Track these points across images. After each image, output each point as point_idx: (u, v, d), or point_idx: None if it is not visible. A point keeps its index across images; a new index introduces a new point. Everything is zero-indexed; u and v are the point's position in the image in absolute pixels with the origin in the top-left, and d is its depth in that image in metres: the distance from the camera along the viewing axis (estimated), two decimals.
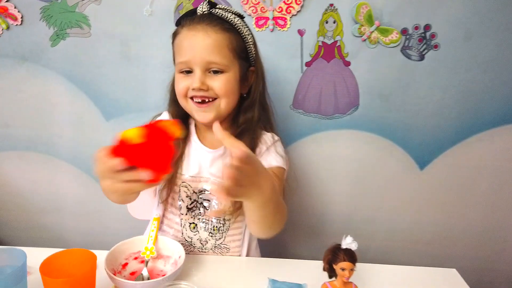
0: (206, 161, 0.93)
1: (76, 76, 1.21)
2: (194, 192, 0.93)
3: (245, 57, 0.90)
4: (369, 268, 0.89)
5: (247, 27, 0.89)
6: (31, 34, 1.17)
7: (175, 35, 0.88)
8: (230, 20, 0.85)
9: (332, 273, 0.70)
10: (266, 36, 1.13)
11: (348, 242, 0.67)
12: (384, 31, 1.11)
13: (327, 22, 1.11)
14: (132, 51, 1.17)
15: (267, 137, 0.95)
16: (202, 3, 0.86)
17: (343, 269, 0.66)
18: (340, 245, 0.68)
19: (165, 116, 0.97)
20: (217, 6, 0.86)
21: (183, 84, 0.85)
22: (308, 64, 1.16)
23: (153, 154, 0.59)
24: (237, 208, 0.90)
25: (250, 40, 0.89)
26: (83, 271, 0.66)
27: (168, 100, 0.97)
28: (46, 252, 0.70)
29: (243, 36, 0.88)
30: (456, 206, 1.30)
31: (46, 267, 0.64)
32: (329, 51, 1.14)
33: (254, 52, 0.91)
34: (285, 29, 1.13)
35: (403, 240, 1.36)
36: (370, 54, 1.14)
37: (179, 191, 0.93)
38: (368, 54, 1.14)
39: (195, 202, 0.93)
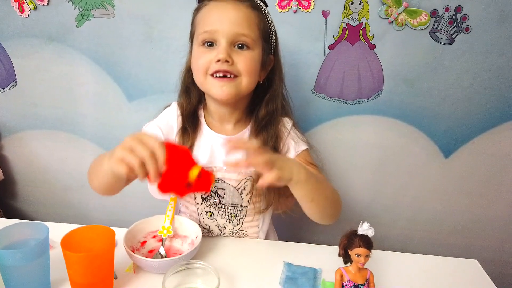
0: (221, 148, 0.90)
1: (100, 56, 1.23)
2: None
3: (268, 41, 0.88)
4: (386, 255, 0.88)
5: (269, 13, 0.87)
6: (57, 15, 1.19)
7: (198, 9, 0.84)
8: (258, 4, 0.84)
9: (347, 258, 0.69)
10: (289, 17, 1.10)
11: (364, 229, 0.66)
12: (412, 13, 1.07)
13: (352, 3, 1.08)
14: (155, 33, 1.18)
15: (286, 123, 0.95)
16: None
17: (358, 255, 0.65)
18: (356, 231, 0.67)
19: (174, 107, 0.95)
20: None
21: (204, 58, 0.80)
22: (331, 46, 1.13)
23: (175, 174, 0.61)
24: (268, 205, 0.92)
25: (273, 28, 0.88)
26: (102, 247, 0.68)
27: (179, 90, 0.95)
28: (68, 228, 0.72)
29: (268, 21, 0.86)
30: (482, 196, 1.26)
31: (67, 242, 0.67)
32: (353, 34, 1.11)
33: (275, 41, 0.89)
34: (309, 10, 1.10)
35: (424, 230, 1.33)
36: (397, 37, 1.10)
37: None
38: (394, 37, 1.10)
39: (210, 191, 0.92)
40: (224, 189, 0.91)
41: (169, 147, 0.61)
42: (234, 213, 0.93)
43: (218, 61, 0.78)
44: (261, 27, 0.83)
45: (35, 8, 1.18)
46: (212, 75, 0.80)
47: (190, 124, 0.90)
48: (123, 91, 1.26)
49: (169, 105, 0.97)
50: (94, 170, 0.78)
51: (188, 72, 0.91)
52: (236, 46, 0.80)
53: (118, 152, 0.61)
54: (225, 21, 0.78)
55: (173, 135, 0.92)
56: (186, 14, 1.12)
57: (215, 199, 0.93)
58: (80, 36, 1.21)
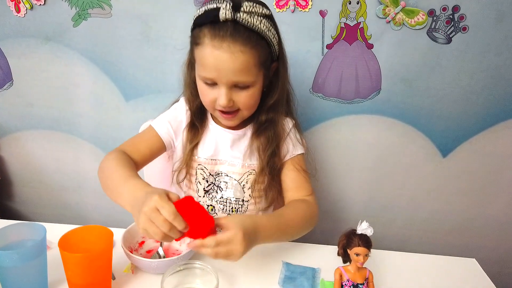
0: (226, 142, 0.93)
1: (97, 56, 1.22)
2: (210, 174, 0.93)
3: (270, 62, 0.86)
4: (385, 255, 0.88)
5: (272, 24, 0.81)
6: (54, 14, 1.18)
7: (196, 41, 0.79)
8: (256, 28, 0.76)
9: (346, 258, 0.69)
10: (287, 17, 1.10)
11: (363, 228, 0.66)
12: (410, 12, 1.07)
13: (350, 3, 1.08)
14: (152, 32, 1.17)
15: (286, 123, 0.95)
16: (224, 5, 0.74)
17: (357, 254, 0.65)
18: (355, 230, 0.67)
19: (182, 103, 0.96)
20: (242, 9, 0.75)
21: (209, 97, 0.83)
22: (329, 46, 1.13)
23: (196, 228, 0.65)
24: (270, 204, 0.95)
25: (275, 42, 0.83)
26: (100, 247, 0.68)
27: (183, 84, 0.94)
28: (66, 228, 0.72)
29: (269, 41, 0.81)
30: (479, 195, 1.27)
31: (65, 242, 0.66)
32: (351, 33, 1.11)
33: (278, 50, 0.86)
34: (307, 9, 1.10)
35: (422, 229, 1.33)
36: (394, 37, 1.10)
37: (196, 173, 0.93)
38: (392, 37, 1.10)
39: (212, 185, 0.94)
40: (227, 183, 0.93)
41: (181, 206, 0.64)
42: (235, 208, 0.94)
43: None
44: (261, 61, 0.81)
45: (32, 7, 1.18)
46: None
47: (198, 120, 0.93)
48: (120, 91, 1.26)
49: (177, 101, 0.98)
50: (108, 187, 0.79)
51: (190, 68, 0.90)
52: (236, 85, 0.81)
53: (142, 223, 0.62)
54: (223, 71, 0.78)
55: (182, 130, 0.94)
56: (183, 14, 1.13)
57: (217, 192, 0.93)
58: (77, 36, 1.20)
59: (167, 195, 0.64)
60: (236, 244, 0.65)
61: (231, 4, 0.75)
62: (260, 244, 0.72)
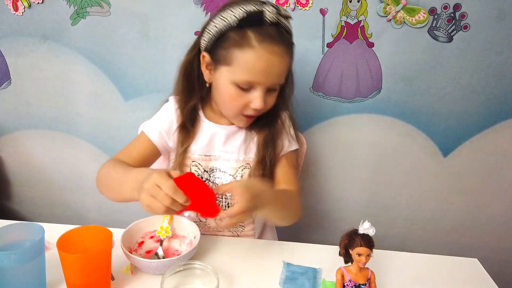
0: (219, 138, 0.92)
1: (96, 55, 1.22)
2: (205, 171, 0.92)
3: None
4: (387, 255, 0.88)
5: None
6: (52, 13, 1.17)
7: (239, 41, 0.77)
8: (290, 32, 0.82)
9: (348, 258, 0.68)
10: None
11: (365, 227, 0.65)
12: (411, 11, 1.06)
13: (350, 1, 1.07)
14: (151, 31, 1.16)
15: (284, 118, 0.96)
16: (270, 8, 0.76)
17: (359, 255, 0.65)
18: (357, 230, 0.66)
19: (172, 102, 0.94)
20: (281, 13, 0.78)
21: (241, 102, 0.82)
22: (329, 45, 1.13)
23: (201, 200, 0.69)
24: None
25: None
26: (99, 248, 0.67)
27: (177, 84, 0.92)
28: (64, 228, 0.71)
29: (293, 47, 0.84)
30: (480, 194, 1.26)
31: (63, 243, 0.65)
32: (352, 32, 1.11)
33: None
34: (307, 8, 1.09)
35: (423, 229, 1.33)
36: (395, 35, 1.09)
37: (190, 171, 0.92)
38: (393, 35, 1.09)
39: (207, 181, 0.93)
40: (221, 178, 0.92)
41: (181, 182, 0.67)
42: (231, 203, 0.93)
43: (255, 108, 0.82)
44: (290, 65, 0.85)
45: (30, 6, 1.17)
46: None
47: (189, 121, 0.91)
48: (119, 90, 1.25)
49: (167, 101, 0.97)
50: (109, 185, 0.81)
51: (190, 68, 0.89)
52: (269, 89, 0.82)
53: (144, 199, 0.66)
54: (270, 74, 0.79)
55: (174, 130, 0.93)
56: (183, 13, 1.12)
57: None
58: (75, 35, 1.19)
59: (167, 173, 0.67)
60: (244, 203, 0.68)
61: (273, 7, 0.77)
62: (264, 207, 0.74)
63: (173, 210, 0.66)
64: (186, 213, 0.68)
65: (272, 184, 0.95)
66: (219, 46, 0.81)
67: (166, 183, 0.64)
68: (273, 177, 0.94)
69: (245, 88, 0.80)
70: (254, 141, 0.93)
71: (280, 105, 0.92)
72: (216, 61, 0.82)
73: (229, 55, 0.79)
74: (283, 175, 0.94)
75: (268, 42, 0.76)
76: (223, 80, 0.82)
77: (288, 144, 0.95)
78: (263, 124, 0.92)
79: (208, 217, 0.70)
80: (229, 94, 0.83)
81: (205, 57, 0.84)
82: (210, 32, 0.81)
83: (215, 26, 0.80)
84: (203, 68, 0.86)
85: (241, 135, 0.93)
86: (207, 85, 0.88)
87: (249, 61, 0.77)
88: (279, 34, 0.78)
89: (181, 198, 0.64)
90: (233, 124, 0.93)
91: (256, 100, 0.81)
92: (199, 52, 0.86)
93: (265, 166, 0.91)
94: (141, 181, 0.68)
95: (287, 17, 0.80)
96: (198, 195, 0.68)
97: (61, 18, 1.18)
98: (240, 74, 0.79)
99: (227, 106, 0.86)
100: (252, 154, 0.93)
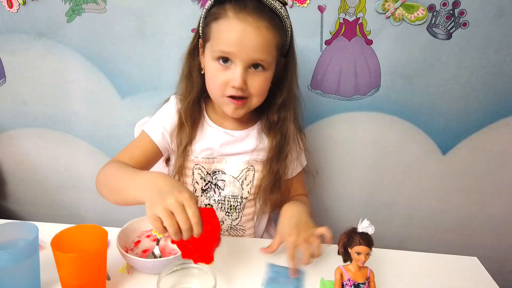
0: (222, 142, 0.90)
1: (92, 53, 1.20)
2: (208, 173, 0.91)
3: (283, 52, 0.85)
4: (386, 253, 0.87)
5: (288, 16, 0.82)
6: (47, 10, 1.16)
7: (216, 17, 0.78)
8: (278, 12, 0.78)
9: (347, 257, 0.68)
10: None
11: (364, 226, 0.65)
12: (410, 8, 1.05)
13: None
14: (148, 28, 1.15)
15: (300, 140, 0.98)
16: None
17: (358, 253, 0.64)
18: (356, 228, 0.66)
19: (173, 101, 0.93)
20: None
21: (221, 79, 0.79)
22: (328, 42, 1.12)
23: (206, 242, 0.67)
24: (273, 208, 0.96)
25: (289, 33, 0.83)
26: (94, 247, 0.66)
27: (181, 76, 0.91)
28: (59, 228, 0.70)
29: (286, 29, 0.82)
30: (479, 193, 1.26)
31: (58, 242, 0.64)
32: (350, 29, 1.10)
33: (289, 44, 0.86)
34: (305, 5, 1.08)
35: (422, 227, 1.32)
36: (394, 32, 1.08)
37: (193, 174, 0.92)
38: (391, 32, 1.09)
39: (209, 183, 0.92)
40: (224, 181, 0.91)
41: (201, 214, 0.62)
42: (234, 205, 0.92)
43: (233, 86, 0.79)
44: (279, 45, 0.81)
45: (24, 3, 1.15)
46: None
47: (189, 118, 0.89)
48: (115, 88, 1.24)
49: (167, 100, 0.95)
50: (110, 185, 0.77)
51: (194, 55, 0.88)
52: (252, 66, 0.79)
53: (158, 211, 0.60)
54: (244, 46, 0.76)
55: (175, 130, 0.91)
56: (179, 9, 1.11)
57: (215, 191, 0.92)
58: (71, 32, 1.18)
59: (196, 198, 0.63)
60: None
61: None
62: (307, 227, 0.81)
63: (178, 235, 0.60)
64: (162, 241, 0.66)
65: (289, 192, 1.00)
66: (204, 25, 0.82)
67: (193, 207, 0.60)
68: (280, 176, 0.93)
69: (224, 63, 0.78)
70: (265, 143, 0.91)
71: (289, 106, 0.90)
72: (204, 42, 0.83)
73: (209, 30, 0.80)
74: (297, 178, 1.01)
75: (243, 13, 0.75)
76: (207, 59, 0.82)
77: (298, 166, 1.00)
78: (278, 128, 0.90)
79: (201, 262, 0.66)
80: (211, 72, 0.81)
81: (199, 41, 0.84)
82: (201, 16, 0.83)
83: (204, 7, 0.81)
84: (200, 55, 0.86)
85: (246, 138, 0.92)
86: (202, 72, 0.87)
87: (222, 30, 0.77)
88: (258, 7, 0.76)
89: (199, 230, 0.61)
90: (233, 124, 0.92)
91: (234, 78, 0.78)
92: (198, 40, 0.86)
93: (274, 170, 0.91)
94: (158, 184, 0.64)
95: (281, 2, 0.79)
96: (207, 234, 0.64)
97: (57, 15, 1.16)
98: (215, 46, 0.79)
99: (211, 86, 0.83)
100: (256, 155, 0.92)
